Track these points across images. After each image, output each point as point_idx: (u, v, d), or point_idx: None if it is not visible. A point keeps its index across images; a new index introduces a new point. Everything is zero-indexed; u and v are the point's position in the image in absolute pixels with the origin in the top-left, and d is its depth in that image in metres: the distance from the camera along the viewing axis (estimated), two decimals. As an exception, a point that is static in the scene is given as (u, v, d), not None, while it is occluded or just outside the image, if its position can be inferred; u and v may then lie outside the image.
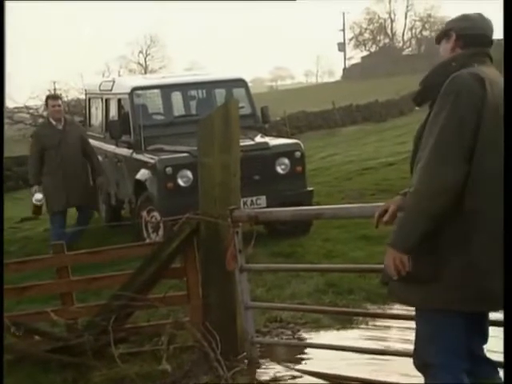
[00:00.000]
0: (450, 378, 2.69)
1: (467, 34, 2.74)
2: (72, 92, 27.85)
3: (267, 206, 7.35)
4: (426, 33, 64.37)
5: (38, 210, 7.97)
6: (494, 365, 2.88)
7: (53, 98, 8.24)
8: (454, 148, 2.53)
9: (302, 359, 4.36)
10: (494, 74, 2.69)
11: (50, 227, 8.14)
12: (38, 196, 7.77)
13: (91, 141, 8.65)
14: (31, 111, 25.96)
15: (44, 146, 7.83)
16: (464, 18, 2.80)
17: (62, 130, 7.87)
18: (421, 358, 2.76)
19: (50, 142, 7.80)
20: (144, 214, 7.58)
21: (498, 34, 2.81)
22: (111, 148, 8.94)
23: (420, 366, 2.78)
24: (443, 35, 2.82)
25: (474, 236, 2.58)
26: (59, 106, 8.01)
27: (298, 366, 4.23)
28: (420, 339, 2.77)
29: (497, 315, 2.87)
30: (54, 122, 7.91)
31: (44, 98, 27.13)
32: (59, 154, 7.79)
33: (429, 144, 2.58)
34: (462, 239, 2.59)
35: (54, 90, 26.84)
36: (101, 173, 8.29)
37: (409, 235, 2.60)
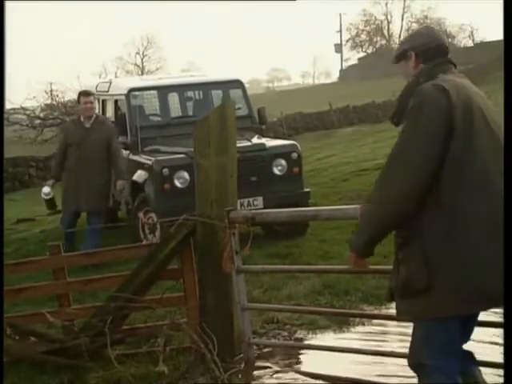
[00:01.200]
0: (445, 379, 2.72)
1: (424, 49, 2.87)
2: (68, 93, 27.75)
3: (264, 207, 7.35)
4: (422, 34, 64.19)
5: (49, 204, 7.87)
6: (474, 360, 2.91)
7: (85, 94, 7.78)
8: (407, 158, 2.61)
9: (299, 360, 4.36)
10: (458, 79, 2.78)
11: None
12: (46, 190, 7.67)
13: None
14: (28, 112, 25.85)
15: (67, 141, 7.64)
16: (417, 35, 2.96)
17: (88, 128, 7.56)
18: (416, 358, 2.78)
19: (73, 139, 7.57)
20: (141, 215, 7.56)
21: (498, 33, 2.85)
22: (108, 149, 8.92)
23: (415, 366, 2.81)
24: (402, 56, 2.94)
25: (459, 233, 2.60)
26: (91, 102, 7.65)
27: (295, 367, 4.23)
28: (416, 340, 2.79)
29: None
30: (82, 119, 7.65)
31: (40, 99, 26.93)
32: (77, 152, 7.52)
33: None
34: (447, 238, 2.61)
35: (51, 91, 26.77)
36: (122, 177, 7.68)
37: (359, 240, 2.79)
